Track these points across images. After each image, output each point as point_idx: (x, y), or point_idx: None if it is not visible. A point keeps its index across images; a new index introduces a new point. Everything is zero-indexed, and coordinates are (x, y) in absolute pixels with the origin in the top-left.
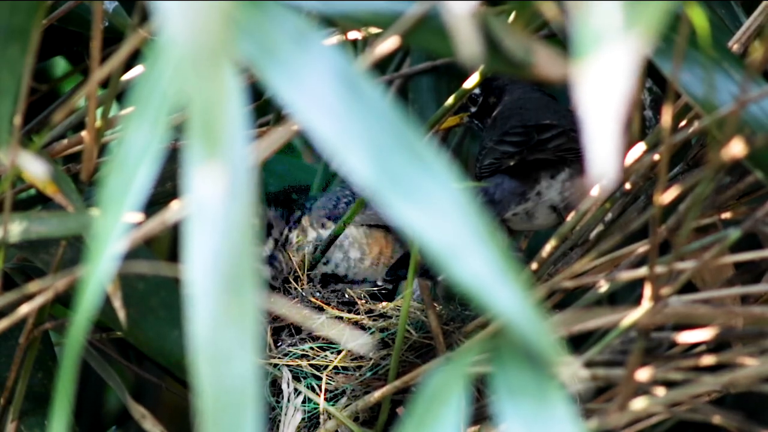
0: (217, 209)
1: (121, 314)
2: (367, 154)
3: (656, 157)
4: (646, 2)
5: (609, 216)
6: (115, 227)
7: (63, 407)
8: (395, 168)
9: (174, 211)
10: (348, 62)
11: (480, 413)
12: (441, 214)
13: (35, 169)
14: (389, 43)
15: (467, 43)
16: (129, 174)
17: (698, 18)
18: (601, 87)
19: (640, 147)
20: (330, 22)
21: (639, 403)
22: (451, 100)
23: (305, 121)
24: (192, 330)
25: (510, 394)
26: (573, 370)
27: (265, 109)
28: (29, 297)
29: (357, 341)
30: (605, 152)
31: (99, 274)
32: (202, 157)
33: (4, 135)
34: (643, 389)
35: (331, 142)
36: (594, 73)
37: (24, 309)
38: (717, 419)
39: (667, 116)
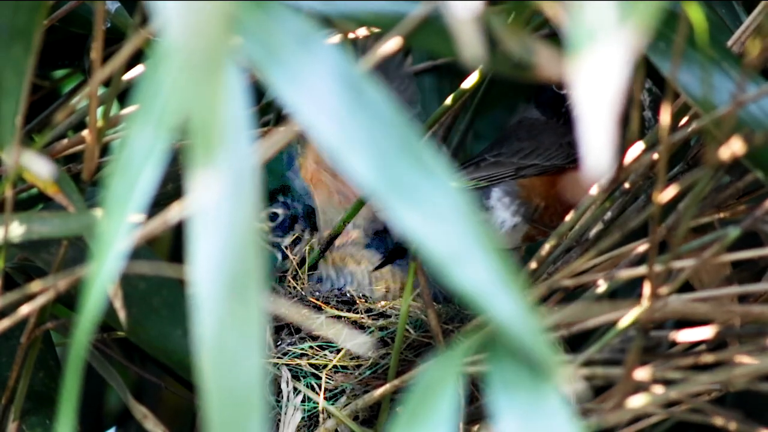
0: (219, 212)
1: (122, 315)
2: (368, 157)
3: (655, 156)
4: None
5: (609, 215)
6: (119, 229)
7: (69, 409)
8: (397, 171)
9: (175, 211)
10: (351, 63)
11: (478, 412)
12: (442, 219)
13: (39, 169)
14: (391, 44)
15: (469, 46)
16: (133, 176)
17: (696, 16)
18: (596, 80)
19: (639, 146)
20: (329, 23)
21: (636, 401)
22: (449, 100)
23: (307, 122)
24: (197, 333)
25: (505, 389)
26: (571, 372)
27: (265, 109)
28: (30, 297)
29: (356, 341)
30: (600, 146)
31: (103, 276)
32: (203, 160)
33: (7, 135)
34: (641, 388)
35: (333, 144)
36: (588, 66)
37: (25, 309)
38: (716, 419)
39: (666, 115)
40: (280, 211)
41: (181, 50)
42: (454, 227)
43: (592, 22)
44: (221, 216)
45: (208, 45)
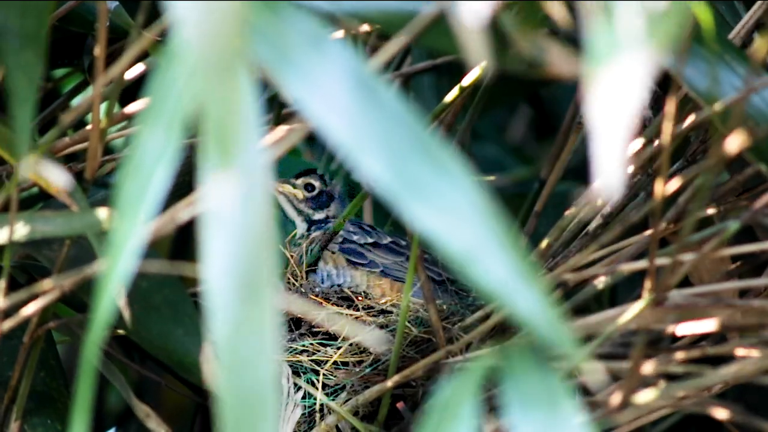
0: (233, 214)
1: (126, 314)
2: (382, 156)
3: (656, 146)
4: (665, 12)
5: (607, 209)
6: (132, 230)
7: (82, 411)
8: (411, 170)
9: (183, 210)
10: (362, 63)
11: (486, 406)
12: (458, 216)
13: (57, 179)
14: (398, 43)
15: (475, 53)
16: (145, 177)
17: (703, 13)
18: (613, 98)
19: (639, 142)
20: (335, 21)
21: (644, 397)
22: (449, 97)
23: (320, 122)
24: (213, 336)
25: (521, 401)
26: (590, 364)
27: (266, 107)
28: (34, 296)
29: (364, 334)
30: (612, 164)
31: (116, 277)
32: (218, 162)
33: (24, 145)
34: (644, 382)
35: (347, 144)
36: (607, 82)
37: (28, 308)
38: (718, 412)
39: (670, 108)
40: (316, 183)
41: (196, 51)
42: (471, 223)
43: (616, 34)
44: (235, 217)
45: (223, 46)
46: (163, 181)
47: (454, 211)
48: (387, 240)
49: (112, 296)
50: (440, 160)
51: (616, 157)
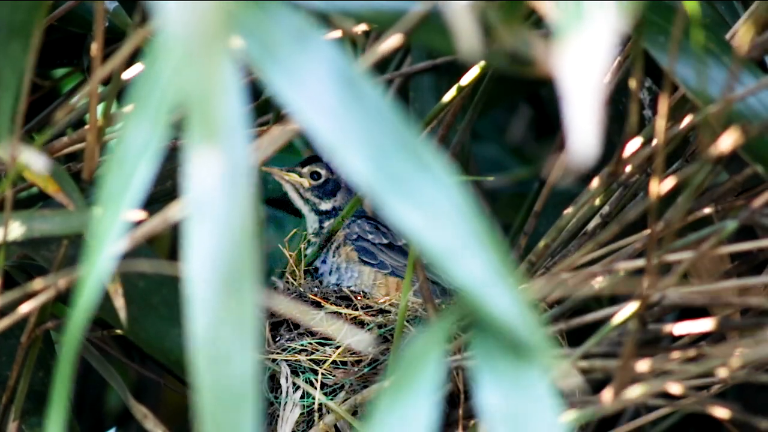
0: (216, 200)
1: (122, 314)
2: (365, 154)
3: (653, 144)
4: None
5: (606, 209)
6: (114, 225)
7: (60, 406)
8: (394, 168)
9: (176, 209)
10: (348, 61)
11: (471, 412)
12: (439, 215)
13: (35, 163)
14: (392, 42)
15: (466, 36)
16: (129, 172)
17: (692, 9)
18: (581, 61)
19: (637, 140)
20: (328, 21)
21: (633, 392)
22: (447, 96)
23: (304, 120)
24: (191, 329)
25: (488, 364)
26: (567, 366)
27: (265, 108)
28: (31, 295)
29: (356, 337)
30: (586, 126)
31: (97, 271)
32: (200, 144)
33: (4, 130)
34: (640, 380)
35: (330, 142)
36: (574, 46)
37: (26, 308)
38: (718, 412)
39: (663, 105)
40: (323, 171)
41: (179, 43)
42: (451, 222)
43: (579, 4)
44: (217, 209)
45: (206, 37)
46: (148, 173)
47: (434, 210)
48: (401, 242)
49: (94, 289)
50: (423, 158)
51: (590, 118)
